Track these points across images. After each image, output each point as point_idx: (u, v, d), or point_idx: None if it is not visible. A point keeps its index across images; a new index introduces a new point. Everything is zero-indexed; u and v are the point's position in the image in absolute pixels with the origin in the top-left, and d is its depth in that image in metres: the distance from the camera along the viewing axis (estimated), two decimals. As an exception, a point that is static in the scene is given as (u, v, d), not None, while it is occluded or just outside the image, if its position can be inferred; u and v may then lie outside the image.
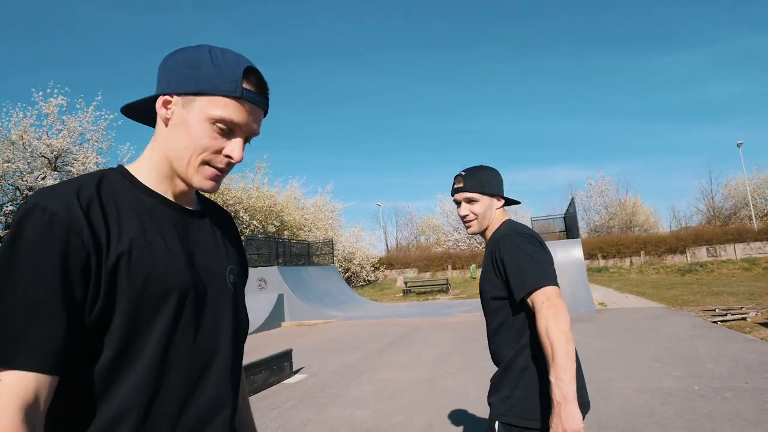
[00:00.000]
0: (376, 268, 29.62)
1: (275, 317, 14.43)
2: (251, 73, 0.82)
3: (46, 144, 15.50)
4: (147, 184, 0.83)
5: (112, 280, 0.70)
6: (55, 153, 15.81)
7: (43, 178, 14.85)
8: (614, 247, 27.34)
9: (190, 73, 0.79)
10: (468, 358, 6.96)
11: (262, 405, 5.21)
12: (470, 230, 1.72)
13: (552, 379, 1.32)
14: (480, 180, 1.68)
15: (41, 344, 0.64)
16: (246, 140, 0.85)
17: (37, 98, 15.63)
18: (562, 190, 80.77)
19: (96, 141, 16.96)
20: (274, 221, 22.86)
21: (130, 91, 54.46)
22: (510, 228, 1.64)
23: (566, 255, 12.51)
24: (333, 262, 21.37)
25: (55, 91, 15.84)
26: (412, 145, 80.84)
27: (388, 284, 27.67)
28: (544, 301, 1.40)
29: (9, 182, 14.79)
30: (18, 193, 15.03)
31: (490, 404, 1.61)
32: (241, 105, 0.80)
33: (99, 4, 57.84)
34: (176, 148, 0.81)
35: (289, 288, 15.27)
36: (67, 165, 16.13)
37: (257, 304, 14.72)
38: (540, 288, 1.42)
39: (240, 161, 0.83)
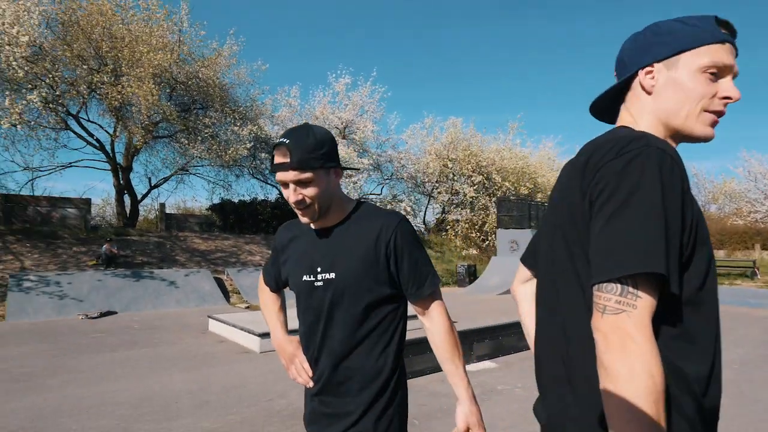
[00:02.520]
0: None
1: (527, 281, 14.39)
2: (725, 21, 0.88)
3: (338, 117, 19.11)
4: None
5: (693, 230, 0.79)
6: (343, 124, 19.36)
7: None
8: None
9: (665, 38, 0.89)
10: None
11: (523, 365, 5.33)
12: (304, 220, 1.32)
13: (465, 379, 1.32)
14: (313, 151, 1.26)
15: (671, 263, 0.73)
16: (733, 79, 0.89)
17: (331, 80, 19.35)
18: None
19: (372, 112, 19.91)
20: (527, 183, 22.33)
21: (399, 64, 61.45)
22: (389, 212, 1.39)
23: None
24: (592, 229, 19.62)
25: (343, 72, 19.26)
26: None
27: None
28: (443, 303, 1.39)
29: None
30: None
31: None
32: (724, 48, 0.87)
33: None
34: (670, 107, 0.89)
35: (543, 252, 14.90)
36: (351, 134, 19.55)
37: (508, 265, 14.97)
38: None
39: (739, 98, 0.88)
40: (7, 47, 9.95)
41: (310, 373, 1.39)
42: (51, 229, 12.93)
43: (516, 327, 6.14)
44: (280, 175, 1.25)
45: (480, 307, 10.56)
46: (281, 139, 1.26)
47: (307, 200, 1.27)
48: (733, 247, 22.86)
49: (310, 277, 1.36)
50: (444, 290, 15.66)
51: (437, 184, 22.01)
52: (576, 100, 74.20)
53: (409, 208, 19.68)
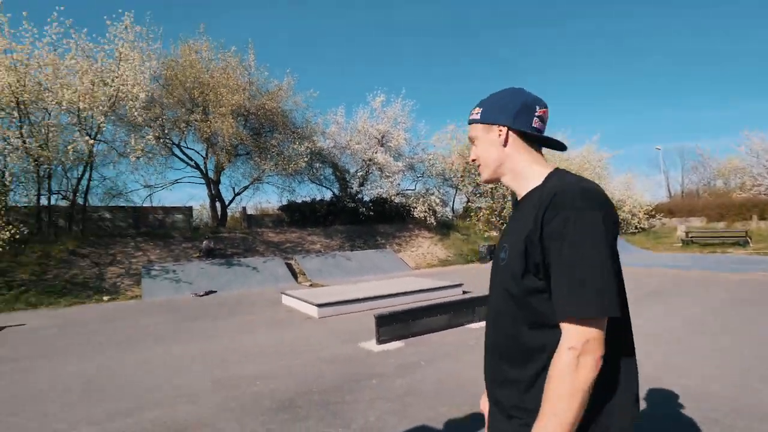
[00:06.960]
0: (651, 216, 24.58)
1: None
2: None
3: (376, 129, 19.76)
4: None
5: None
6: (381, 134, 19.98)
7: (375, 153, 19.17)
8: None
9: None
10: (733, 323, 5.55)
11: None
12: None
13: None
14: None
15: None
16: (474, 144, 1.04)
17: (369, 99, 19.99)
18: None
19: (403, 123, 20.40)
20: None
21: (422, 81, 60.71)
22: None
23: None
24: (597, 210, 19.15)
25: (379, 92, 19.87)
26: (701, 71, 59.44)
27: (666, 233, 22.66)
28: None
29: (359, 156, 19.72)
30: (362, 162, 19.89)
31: None
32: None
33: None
34: None
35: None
36: (388, 142, 20.14)
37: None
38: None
39: (471, 160, 1.02)
40: (130, 102, 11.55)
41: None
42: (166, 231, 14.55)
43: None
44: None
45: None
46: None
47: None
48: (732, 219, 21.43)
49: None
50: (468, 266, 16.05)
51: (462, 179, 22.22)
52: (579, 93, 69.98)
53: (438, 200, 20.05)
